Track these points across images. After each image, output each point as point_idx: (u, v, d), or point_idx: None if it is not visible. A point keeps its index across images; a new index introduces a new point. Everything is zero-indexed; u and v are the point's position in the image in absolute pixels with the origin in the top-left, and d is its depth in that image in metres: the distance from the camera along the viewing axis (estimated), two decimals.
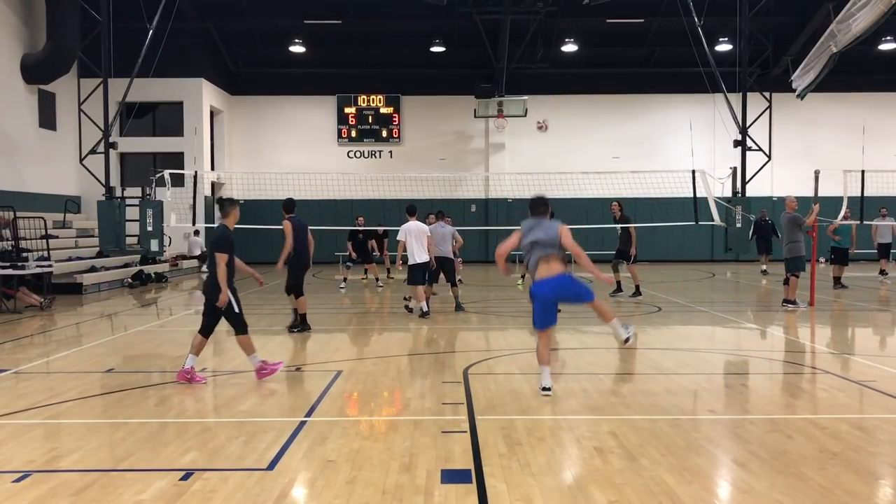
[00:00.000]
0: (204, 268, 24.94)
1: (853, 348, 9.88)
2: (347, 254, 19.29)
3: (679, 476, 4.94)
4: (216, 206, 8.99)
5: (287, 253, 11.05)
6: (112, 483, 4.87)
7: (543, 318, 7.15)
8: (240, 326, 7.91)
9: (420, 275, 12.63)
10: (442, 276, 13.73)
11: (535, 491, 4.70)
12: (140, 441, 5.80)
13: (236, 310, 7.81)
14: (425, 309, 12.71)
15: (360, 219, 19.34)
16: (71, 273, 17.87)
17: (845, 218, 17.52)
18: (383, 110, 29.32)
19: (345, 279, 19.14)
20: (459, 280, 18.55)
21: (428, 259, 12.66)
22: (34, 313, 14.02)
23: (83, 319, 13.75)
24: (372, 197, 25.28)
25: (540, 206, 7.49)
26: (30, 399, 7.20)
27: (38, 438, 5.99)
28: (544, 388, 7.11)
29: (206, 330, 7.94)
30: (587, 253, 7.22)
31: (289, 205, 11.50)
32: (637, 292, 15.87)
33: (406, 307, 13.36)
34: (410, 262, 12.63)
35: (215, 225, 8.72)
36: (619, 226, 16.13)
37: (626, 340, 7.53)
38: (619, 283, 16.07)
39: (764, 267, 22.49)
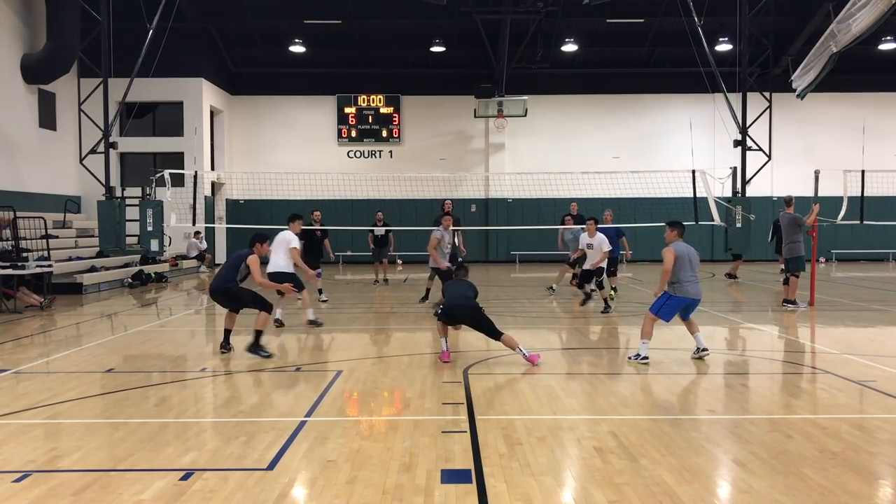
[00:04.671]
0: (203, 268, 24.95)
1: (853, 348, 9.87)
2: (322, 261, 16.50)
3: (679, 476, 4.94)
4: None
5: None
6: (112, 483, 4.87)
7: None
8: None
9: (277, 281, 11.53)
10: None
11: (535, 491, 4.70)
12: (140, 441, 5.80)
13: None
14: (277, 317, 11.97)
15: (317, 213, 16.87)
16: (71, 273, 17.85)
17: None
18: (383, 110, 29.31)
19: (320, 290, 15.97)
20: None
21: (290, 271, 11.66)
22: (34, 313, 14.02)
23: (83, 319, 13.74)
24: (372, 197, 25.30)
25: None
26: (30, 399, 7.20)
27: (38, 438, 5.98)
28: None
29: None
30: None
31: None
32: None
33: (310, 323, 12.10)
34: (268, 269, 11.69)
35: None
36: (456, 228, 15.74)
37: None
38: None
39: (782, 267, 22.47)
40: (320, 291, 15.57)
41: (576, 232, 16.55)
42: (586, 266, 13.91)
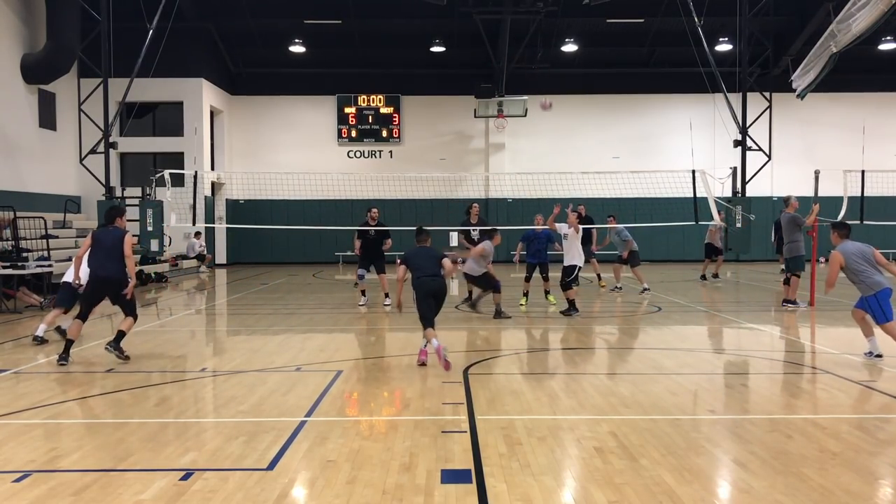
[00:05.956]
0: (203, 268, 24.95)
1: (853, 348, 9.87)
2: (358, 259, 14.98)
3: (679, 476, 4.94)
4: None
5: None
6: (112, 483, 4.87)
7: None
8: None
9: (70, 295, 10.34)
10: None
11: (535, 491, 4.70)
12: (140, 441, 5.80)
13: None
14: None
15: (374, 210, 15.08)
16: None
17: None
18: (383, 110, 29.31)
19: (363, 292, 14.95)
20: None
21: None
22: (34, 313, 14.01)
23: None
24: (372, 197, 25.25)
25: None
26: (30, 399, 7.20)
27: (38, 438, 5.98)
28: None
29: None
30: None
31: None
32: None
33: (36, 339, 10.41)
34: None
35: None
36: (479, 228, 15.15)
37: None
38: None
39: (783, 266, 22.43)
40: (363, 293, 14.71)
41: (620, 231, 17.63)
42: (566, 262, 13.14)
